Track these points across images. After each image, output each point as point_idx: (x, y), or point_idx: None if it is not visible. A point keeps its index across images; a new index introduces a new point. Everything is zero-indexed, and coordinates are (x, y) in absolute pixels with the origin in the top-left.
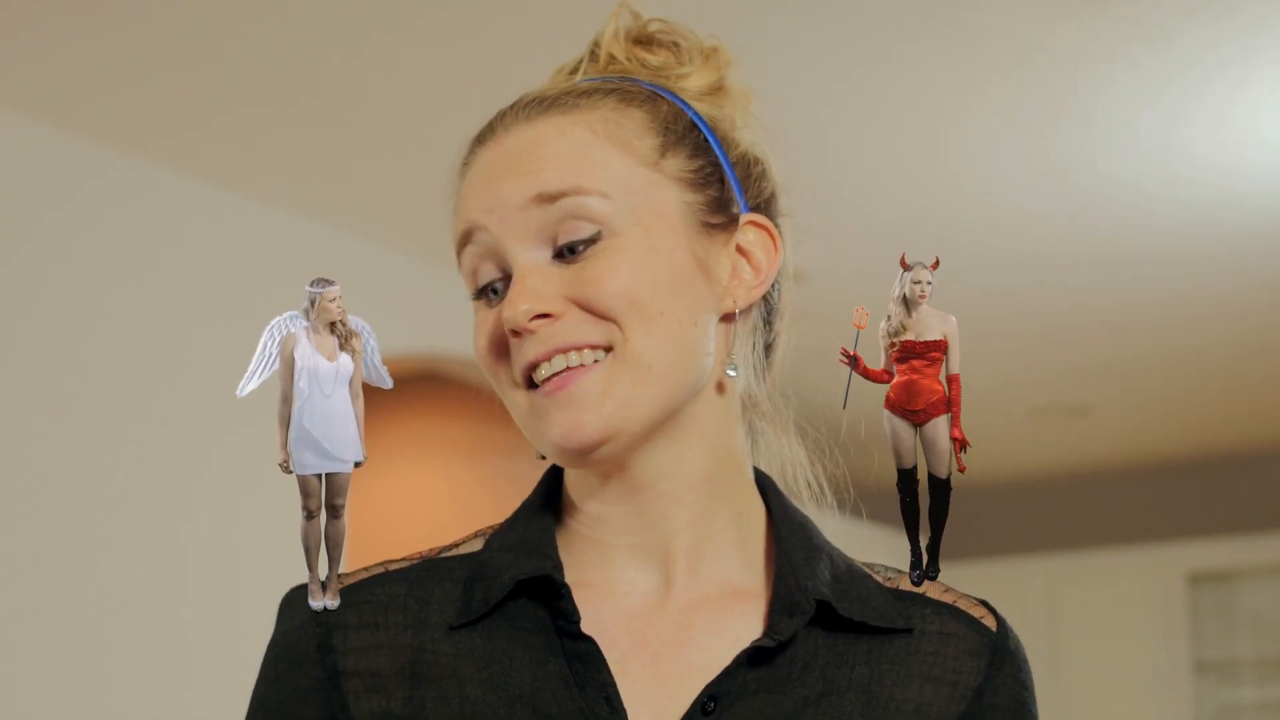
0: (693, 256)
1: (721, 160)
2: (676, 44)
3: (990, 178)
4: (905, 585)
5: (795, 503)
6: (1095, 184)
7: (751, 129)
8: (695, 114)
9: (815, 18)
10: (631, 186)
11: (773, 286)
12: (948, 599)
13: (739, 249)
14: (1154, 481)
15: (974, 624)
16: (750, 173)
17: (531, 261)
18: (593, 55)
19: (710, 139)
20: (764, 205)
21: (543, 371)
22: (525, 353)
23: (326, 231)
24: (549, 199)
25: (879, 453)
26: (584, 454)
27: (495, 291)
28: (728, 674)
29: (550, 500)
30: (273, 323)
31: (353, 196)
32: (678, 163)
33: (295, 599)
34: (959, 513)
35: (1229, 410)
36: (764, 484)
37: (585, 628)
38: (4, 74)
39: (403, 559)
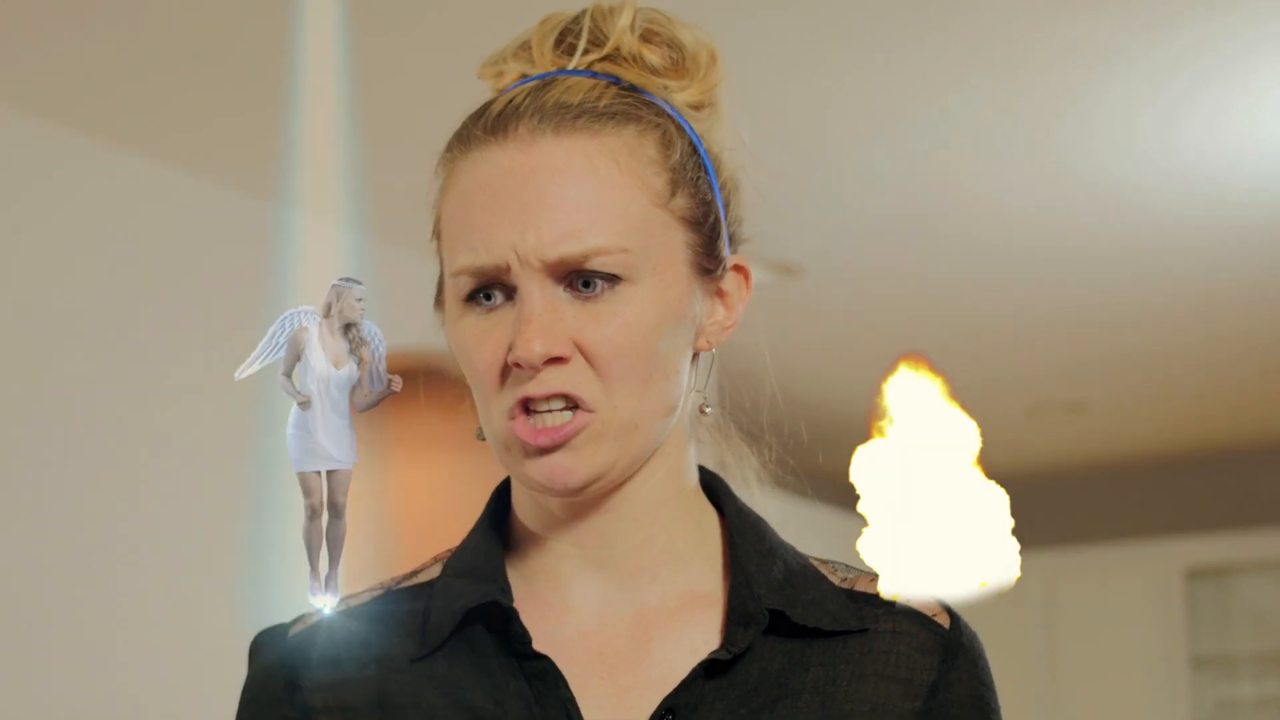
0: (689, 300)
1: (715, 194)
2: (680, 45)
3: (989, 175)
4: (861, 585)
5: (744, 495)
6: (1094, 180)
7: (730, 141)
8: (696, 138)
9: (814, 15)
10: (648, 230)
11: None
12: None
13: (719, 292)
14: (1152, 477)
15: (927, 622)
16: (731, 200)
17: (545, 297)
18: (594, 37)
19: (708, 168)
20: (737, 232)
21: (539, 407)
22: (525, 388)
23: (325, 228)
24: (575, 262)
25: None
26: (565, 495)
27: (489, 297)
28: (684, 686)
29: (498, 519)
30: (285, 314)
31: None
32: (682, 201)
33: (263, 642)
34: None
35: (1227, 406)
36: (715, 486)
37: (542, 645)
38: (7, 72)
39: (364, 590)
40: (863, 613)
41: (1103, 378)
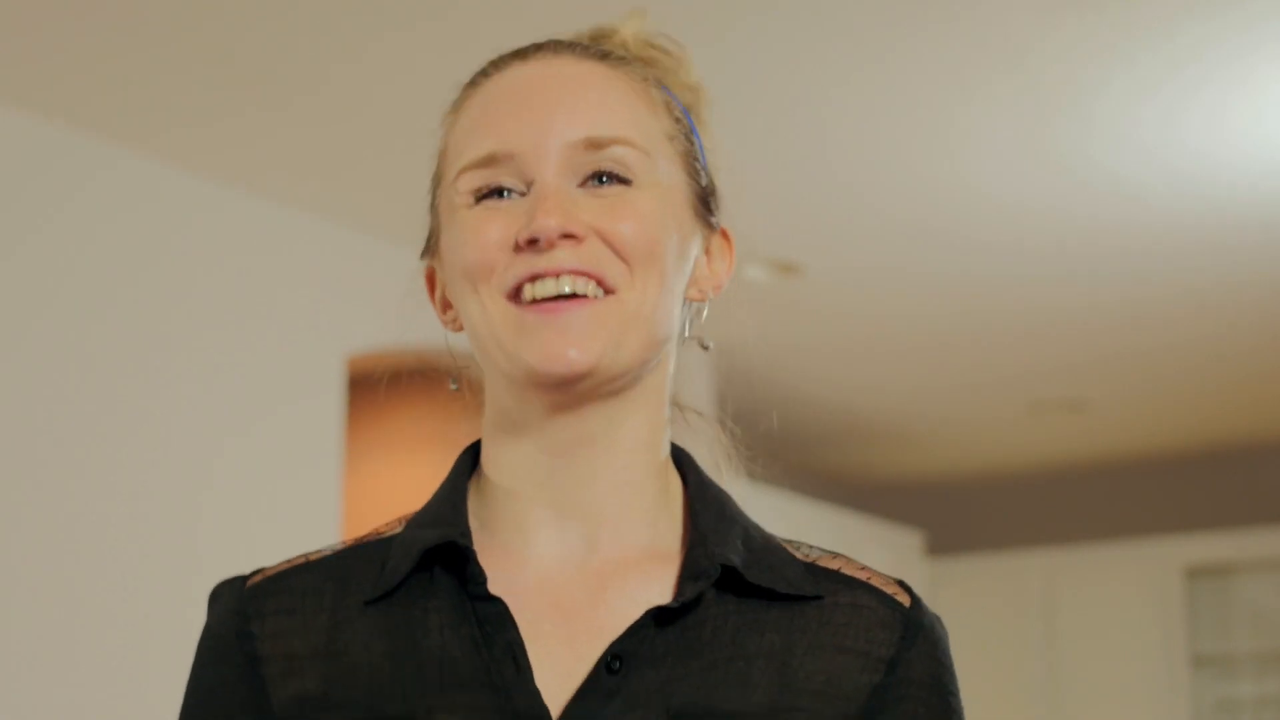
0: (690, 232)
1: (703, 165)
2: (675, 54)
3: (990, 172)
4: (823, 562)
5: (715, 478)
6: (1094, 178)
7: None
8: (691, 123)
9: (814, 13)
10: (660, 150)
11: None
12: (862, 576)
13: (708, 251)
14: (1152, 475)
15: (886, 599)
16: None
17: (561, 185)
18: (598, 35)
19: (699, 146)
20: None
21: (542, 289)
22: (534, 264)
23: (325, 227)
24: (599, 145)
25: (875, 444)
26: (561, 383)
27: (502, 194)
28: (631, 633)
29: (463, 475)
30: None
31: (353, 193)
32: (682, 146)
33: (221, 592)
34: (957, 507)
35: (1227, 404)
36: (681, 459)
37: (499, 591)
38: (9, 71)
39: (326, 548)
40: (820, 585)
41: (1103, 377)
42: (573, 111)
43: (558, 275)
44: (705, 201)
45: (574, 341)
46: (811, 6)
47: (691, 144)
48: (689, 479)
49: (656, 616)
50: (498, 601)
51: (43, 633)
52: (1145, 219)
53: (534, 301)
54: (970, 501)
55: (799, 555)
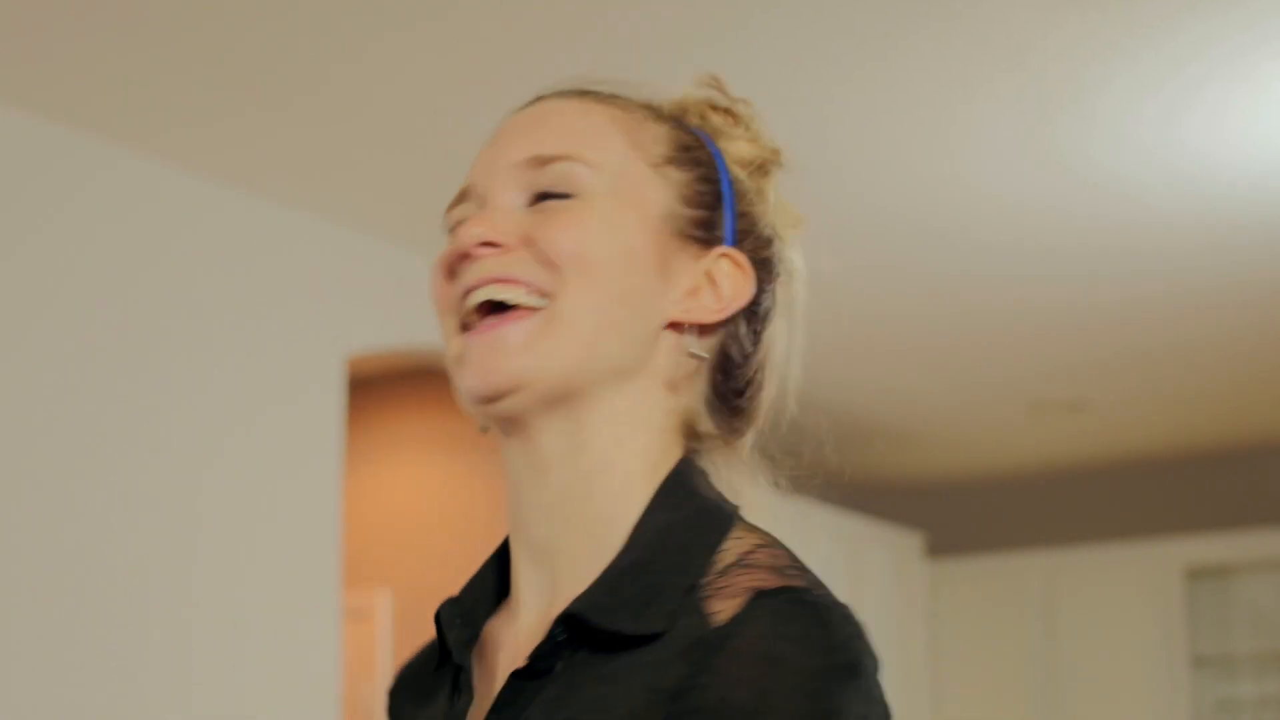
0: (655, 252)
1: (726, 199)
2: (740, 123)
3: (991, 171)
4: (718, 581)
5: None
6: (1095, 177)
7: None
8: (722, 163)
9: (816, 11)
10: (624, 171)
11: (747, 329)
12: (721, 591)
13: (708, 273)
14: (1152, 476)
15: (702, 622)
16: (754, 234)
17: (504, 203)
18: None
19: (725, 183)
20: (760, 265)
21: (470, 301)
22: (464, 279)
23: (325, 227)
24: (543, 161)
25: (875, 444)
26: (490, 401)
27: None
28: (501, 701)
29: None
30: None
31: (353, 193)
32: (680, 175)
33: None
34: (957, 508)
35: (1228, 404)
36: (675, 477)
37: (493, 648)
38: (9, 71)
39: None
40: (674, 618)
41: (1103, 377)
42: (526, 136)
43: (484, 284)
44: (703, 227)
45: (501, 355)
46: (813, 4)
47: (705, 179)
48: (654, 499)
49: (518, 675)
50: (464, 669)
51: (43, 633)
52: (1146, 218)
53: (471, 329)
54: (970, 502)
55: (709, 575)
